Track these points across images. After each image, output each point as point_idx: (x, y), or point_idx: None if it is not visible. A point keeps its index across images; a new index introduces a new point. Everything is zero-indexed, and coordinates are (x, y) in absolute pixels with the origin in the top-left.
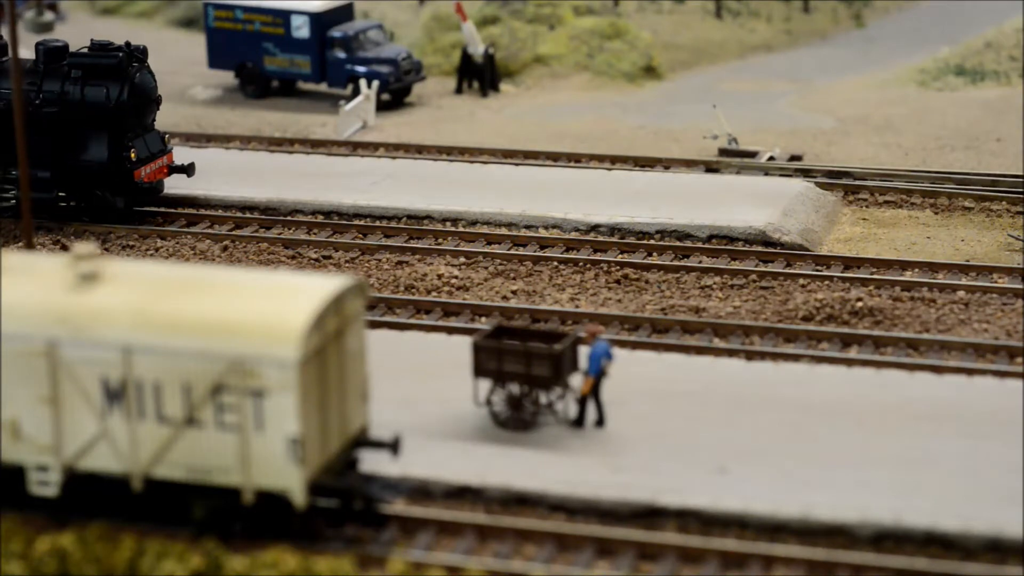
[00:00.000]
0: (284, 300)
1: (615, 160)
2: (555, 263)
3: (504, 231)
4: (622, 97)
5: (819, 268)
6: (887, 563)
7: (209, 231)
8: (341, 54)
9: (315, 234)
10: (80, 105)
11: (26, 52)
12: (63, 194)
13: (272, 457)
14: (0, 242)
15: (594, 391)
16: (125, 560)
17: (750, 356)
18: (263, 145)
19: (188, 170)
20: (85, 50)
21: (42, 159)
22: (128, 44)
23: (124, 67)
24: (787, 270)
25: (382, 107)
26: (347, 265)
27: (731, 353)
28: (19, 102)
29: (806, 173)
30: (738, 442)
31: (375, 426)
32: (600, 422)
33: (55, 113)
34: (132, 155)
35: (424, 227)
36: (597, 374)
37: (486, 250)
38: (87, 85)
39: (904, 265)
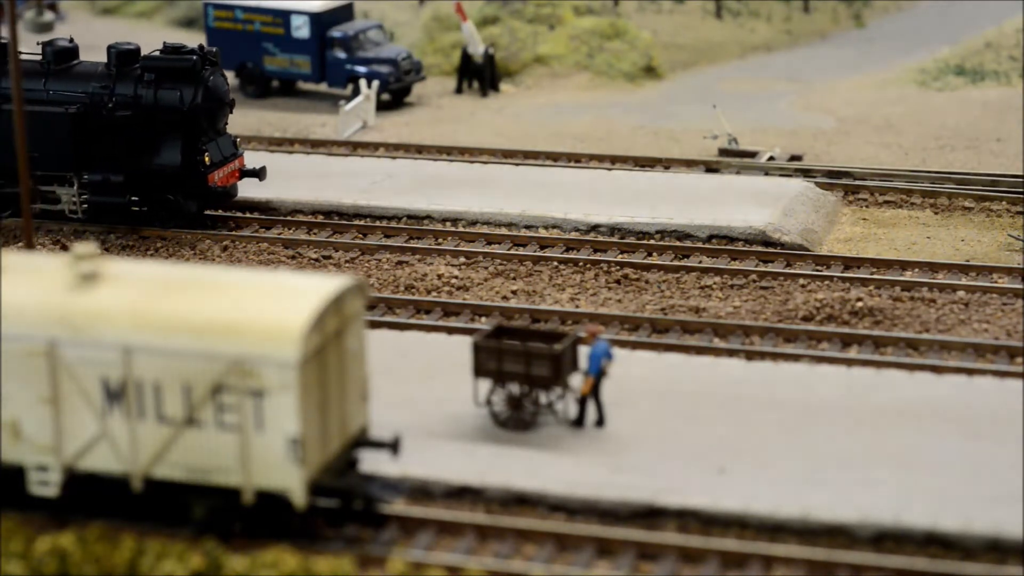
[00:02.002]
0: (284, 300)
1: (615, 160)
2: (555, 263)
3: (504, 231)
4: (622, 97)
5: (819, 268)
6: (887, 563)
7: (209, 231)
8: (341, 54)
9: (315, 234)
10: (153, 108)
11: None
12: (135, 198)
13: (272, 457)
14: (0, 242)
15: (594, 391)
16: (125, 560)
17: (750, 356)
18: (263, 145)
19: (260, 174)
20: (158, 52)
21: (115, 163)
22: (201, 47)
23: (198, 70)
24: (787, 270)
25: (382, 107)
26: (347, 265)
27: (731, 353)
28: (18, 103)
29: (806, 173)
30: (738, 442)
31: (375, 426)
32: (600, 422)
33: (128, 116)
34: (206, 159)
35: (424, 227)
36: (597, 374)
37: (486, 250)
38: (160, 88)
39: (904, 265)
